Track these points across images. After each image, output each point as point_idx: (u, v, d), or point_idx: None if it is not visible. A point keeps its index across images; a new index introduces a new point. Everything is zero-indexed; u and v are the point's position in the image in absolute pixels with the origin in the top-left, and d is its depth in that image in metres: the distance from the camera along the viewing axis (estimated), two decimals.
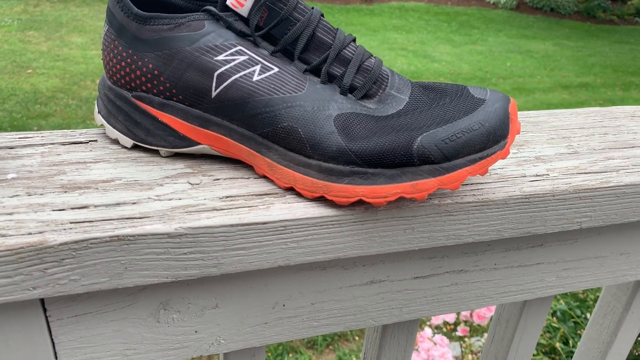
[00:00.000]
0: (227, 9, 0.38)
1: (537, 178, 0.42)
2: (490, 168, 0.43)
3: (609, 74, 5.24)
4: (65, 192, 0.34)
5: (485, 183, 0.40)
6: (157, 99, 0.38)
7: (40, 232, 0.31)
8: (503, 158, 0.35)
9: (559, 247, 0.48)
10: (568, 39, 6.55)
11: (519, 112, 0.53)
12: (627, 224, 0.48)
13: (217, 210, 0.34)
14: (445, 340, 1.39)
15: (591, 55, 5.90)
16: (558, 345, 1.47)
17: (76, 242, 0.31)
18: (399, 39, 5.68)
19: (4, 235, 0.30)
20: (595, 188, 0.42)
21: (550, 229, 0.43)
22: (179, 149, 0.39)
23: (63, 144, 0.40)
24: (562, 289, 0.51)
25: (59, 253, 0.31)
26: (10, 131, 2.98)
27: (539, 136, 0.49)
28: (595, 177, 0.43)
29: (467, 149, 0.34)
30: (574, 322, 1.59)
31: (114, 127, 0.40)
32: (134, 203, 0.34)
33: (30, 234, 0.30)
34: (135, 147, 0.41)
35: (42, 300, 0.34)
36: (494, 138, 0.34)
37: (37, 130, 3.02)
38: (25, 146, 0.40)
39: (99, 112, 0.41)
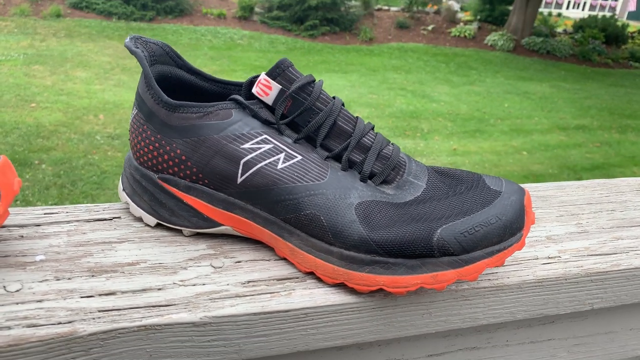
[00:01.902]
0: (251, 96, 0.40)
1: (549, 260, 0.43)
2: None
3: (606, 117, 5.32)
4: (93, 276, 0.35)
5: (500, 267, 0.41)
6: (183, 182, 0.39)
7: (70, 322, 0.31)
8: (519, 250, 0.36)
9: (570, 323, 0.48)
10: (564, 81, 6.67)
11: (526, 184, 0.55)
12: (638, 303, 0.49)
13: (240, 297, 0.35)
14: None
15: (587, 97, 6.00)
16: None
17: (104, 332, 0.31)
18: (398, 79, 5.77)
19: (35, 325, 0.31)
20: (606, 271, 0.43)
21: (563, 310, 0.43)
22: (202, 230, 0.40)
23: (88, 221, 0.41)
24: None
25: (87, 343, 0.31)
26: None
27: (548, 213, 0.51)
28: (606, 260, 0.44)
29: (485, 242, 0.35)
30: None
31: (138, 206, 0.41)
32: (159, 289, 0.35)
33: (60, 323, 0.31)
34: (158, 226, 0.41)
35: None
36: (510, 231, 0.35)
37: (38, 163, 3.04)
38: (51, 223, 0.41)
39: (123, 189, 0.42)
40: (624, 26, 9.02)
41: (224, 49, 6.16)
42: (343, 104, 0.39)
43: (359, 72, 5.84)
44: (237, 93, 0.43)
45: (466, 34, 7.99)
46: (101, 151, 3.26)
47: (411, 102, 4.98)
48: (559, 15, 11.18)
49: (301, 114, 0.38)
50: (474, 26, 8.28)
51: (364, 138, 0.39)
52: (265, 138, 0.38)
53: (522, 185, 0.41)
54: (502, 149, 4.02)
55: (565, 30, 9.20)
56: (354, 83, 5.37)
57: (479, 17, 8.63)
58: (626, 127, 5.05)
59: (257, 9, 7.45)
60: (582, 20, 9.23)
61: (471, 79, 6.18)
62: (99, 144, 3.37)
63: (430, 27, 8.11)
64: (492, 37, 7.88)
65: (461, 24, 8.44)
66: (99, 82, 4.47)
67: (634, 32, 9.38)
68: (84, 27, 6.19)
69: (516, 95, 5.69)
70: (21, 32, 5.70)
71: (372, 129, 0.40)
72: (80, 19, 6.47)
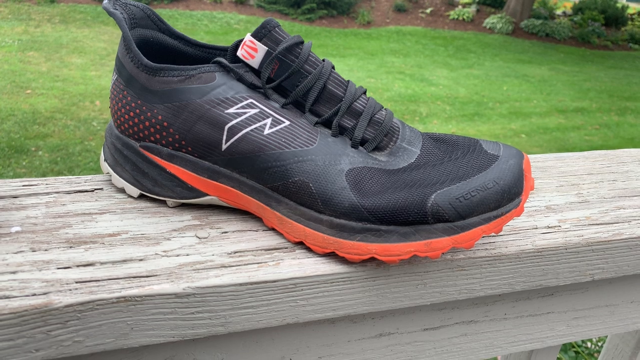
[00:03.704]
0: (237, 60, 0.38)
1: (549, 230, 0.41)
2: None
3: (605, 99, 5.29)
4: (71, 247, 0.34)
5: (498, 236, 0.40)
6: (165, 149, 0.37)
7: (45, 294, 0.30)
8: (518, 216, 0.35)
9: (570, 296, 0.47)
10: (563, 63, 6.62)
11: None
12: (639, 274, 0.48)
13: (225, 267, 0.33)
14: None
15: (586, 80, 5.96)
16: None
17: (82, 303, 0.30)
18: (397, 62, 5.72)
19: (7, 297, 0.29)
20: (608, 241, 0.41)
21: (562, 281, 0.42)
22: (187, 200, 0.38)
23: (68, 192, 0.40)
24: (572, 338, 0.50)
25: (64, 315, 0.30)
26: (8, 151, 2.97)
27: (548, 183, 0.49)
28: (607, 229, 0.42)
29: (482, 207, 0.33)
30: (575, 352, 1.57)
31: (120, 176, 0.39)
32: (140, 260, 0.33)
33: (34, 295, 0.29)
34: (141, 197, 0.40)
35: None
36: (508, 196, 0.34)
37: (35, 150, 3.02)
38: (29, 195, 0.39)
39: (105, 159, 0.41)
40: (624, 8, 8.94)
41: (221, 34, 6.10)
42: (333, 67, 0.38)
43: (357, 56, 5.79)
44: (223, 57, 0.41)
45: (465, 17, 7.92)
46: (98, 137, 3.23)
47: (409, 85, 4.94)
48: None
49: (289, 77, 0.36)
50: (473, 9, 8.20)
51: (355, 103, 0.37)
52: (251, 102, 0.36)
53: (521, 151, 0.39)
54: (501, 132, 4.00)
55: (564, 13, 9.12)
56: (352, 67, 5.32)
57: None
58: (625, 109, 5.02)
59: None
60: (582, 2, 9.14)
61: (470, 62, 6.13)
62: (95, 130, 3.34)
63: (428, 10, 8.03)
64: (491, 20, 7.81)
65: (459, 6, 8.36)
66: (94, 68, 4.42)
67: (633, 14, 9.30)
68: (79, 13, 6.12)
69: (515, 79, 5.64)
70: (15, 18, 5.63)
71: (364, 93, 0.38)
72: (74, 4, 6.40)
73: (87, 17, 5.99)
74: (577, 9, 8.96)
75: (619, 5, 8.99)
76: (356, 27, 7.07)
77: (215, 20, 6.56)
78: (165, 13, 6.55)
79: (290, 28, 6.69)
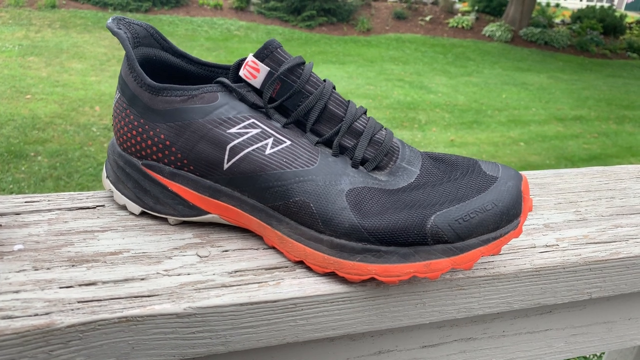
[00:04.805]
0: (239, 79, 0.38)
1: (547, 249, 0.41)
2: None
3: (603, 107, 5.30)
4: (73, 265, 0.34)
5: (496, 256, 0.40)
6: (167, 168, 0.38)
7: (47, 314, 0.30)
8: (516, 237, 0.35)
9: (568, 313, 0.47)
10: (562, 72, 6.65)
11: (524, 172, 0.53)
12: (637, 292, 0.48)
13: (226, 287, 0.34)
14: None
15: (585, 88, 5.98)
16: None
17: (84, 324, 0.30)
18: (396, 70, 5.74)
19: (10, 317, 0.29)
20: (606, 260, 0.41)
21: (560, 299, 0.42)
22: (188, 218, 0.39)
23: (70, 209, 0.40)
24: (570, 354, 0.50)
25: (66, 335, 0.30)
26: (7, 156, 2.97)
27: (546, 200, 0.49)
28: (605, 248, 0.42)
29: (481, 229, 0.34)
30: None
31: (122, 194, 0.40)
32: (142, 279, 0.33)
33: (37, 315, 0.30)
34: (143, 214, 0.40)
35: None
36: (507, 218, 0.34)
37: (34, 155, 3.02)
38: (31, 212, 0.39)
39: (107, 176, 0.41)
40: (622, 17, 8.99)
41: (221, 40, 6.12)
42: (334, 87, 0.38)
43: (356, 63, 5.81)
44: (225, 76, 0.41)
45: (464, 25, 7.96)
46: (97, 143, 3.23)
47: (409, 93, 4.95)
48: (557, 5, 11.14)
49: (290, 98, 0.37)
50: (472, 17, 8.24)
51: (355, 122, 0.38)
52: (253, 122, 0.36)
53: (520, 172, 0.39)
54: (500, 140, 4.01)
55: (563, 21, 9.16)
56: (352, 74, 5.34)
57: (476, 7, 8.59)
58: (623, 118, 5.04)
59: (253, 0, 7.40)
60: (580, 10, 9.19)
61: (469, 70, 6.15)
62: (95, 136, 3.34)
63: (427, 18, 8.07)
64: (490, 28, 7.84)
65: (459, 14, 8.40)
66: (94, 74, 4.43)
67: (632, 23, 9.36)
68: (80, 18, 6.14)
69: (514, 86, 5.66)
70: (16, 23, 5.65)
71: (365, 113, 0.39)
72: (75, 9, 6.42)
73: (87, 23, 6.00)
74: (575, 18, 9.01)
75: (617, 14, 9.04)
76: (356, 35, 7.10)
77: (216, 27, 6.59)
78: (165, 19, 6.57)
79: (290, 35, 6.72)
